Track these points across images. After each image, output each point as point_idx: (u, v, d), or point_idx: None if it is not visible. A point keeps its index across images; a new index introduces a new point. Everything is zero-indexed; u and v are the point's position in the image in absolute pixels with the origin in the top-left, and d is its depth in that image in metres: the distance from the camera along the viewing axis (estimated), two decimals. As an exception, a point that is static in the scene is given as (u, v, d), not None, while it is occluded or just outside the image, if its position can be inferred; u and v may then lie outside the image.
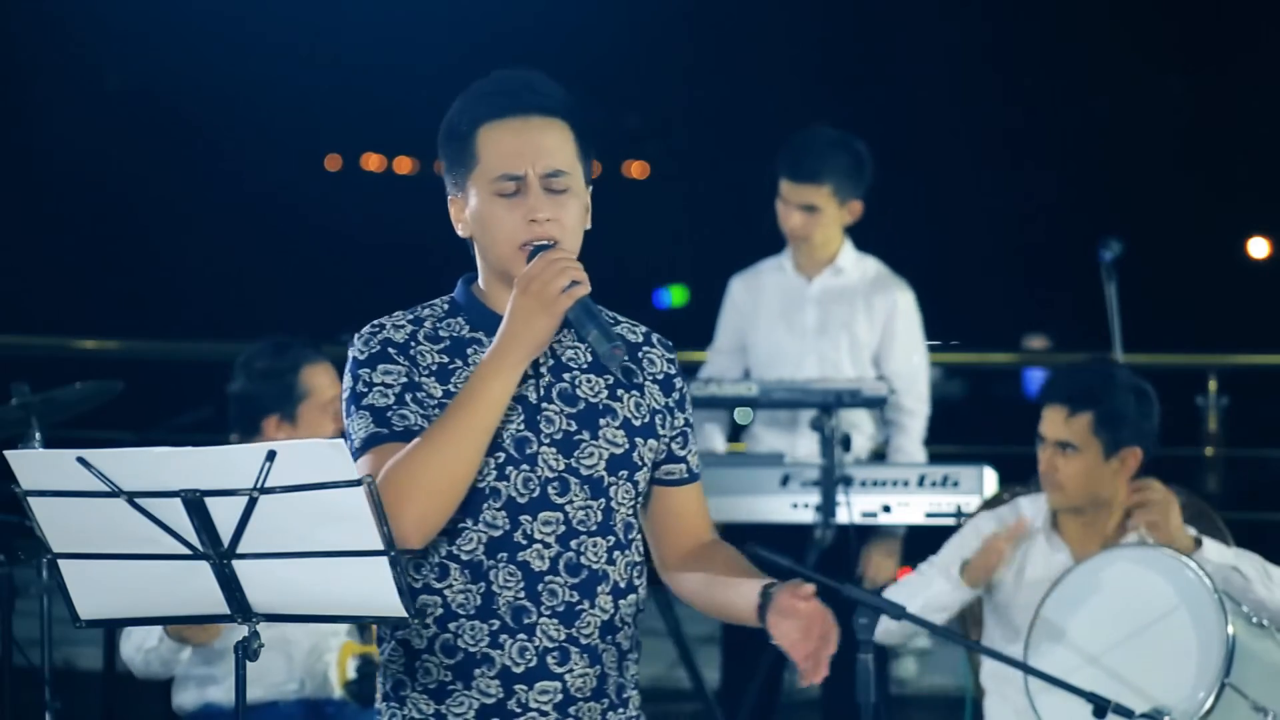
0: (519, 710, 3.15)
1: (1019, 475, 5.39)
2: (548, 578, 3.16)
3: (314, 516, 3.08)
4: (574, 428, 3.19)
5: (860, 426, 6.26)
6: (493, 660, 3.15)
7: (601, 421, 3.21)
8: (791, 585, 3.11)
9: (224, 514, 3.10)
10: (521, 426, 3.16)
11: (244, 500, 3.07)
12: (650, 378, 3.29)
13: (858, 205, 6.22)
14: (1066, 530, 4.97)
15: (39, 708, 5.05)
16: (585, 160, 3.26)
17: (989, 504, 5.39)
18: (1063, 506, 4.94)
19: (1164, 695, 4.57)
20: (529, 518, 3.16)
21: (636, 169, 29.14)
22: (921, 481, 6.00)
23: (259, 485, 3.06)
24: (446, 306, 3.27)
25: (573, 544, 3.18)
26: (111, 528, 3.13)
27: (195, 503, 3.09)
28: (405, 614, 3.14)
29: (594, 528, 3.19)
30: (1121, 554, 4.77)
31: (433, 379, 3.18)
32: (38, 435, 5.07)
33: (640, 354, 3.29)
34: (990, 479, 6.01)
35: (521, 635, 3.15)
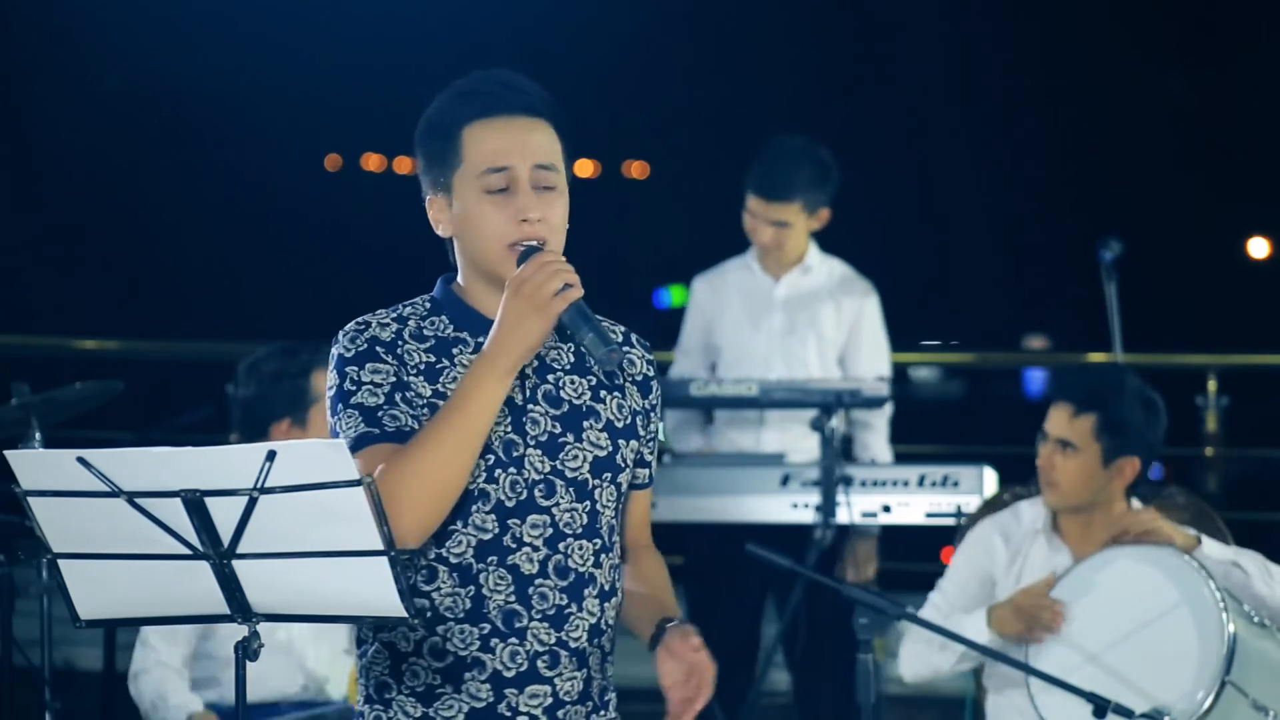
0: (509, 714, 3.14)
1: (1019, 475, 5.39)
2: (537, 581, 3.15)
3: (314, 516, 3.07)
4: (559, 430, 3.17)
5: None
6: (483, 664, 3.14)
7: (585, 424, 3.19)
8: (684, 630, 3.13)
9: (224, 514, 3.10)
10: (509, 429, 3.15)
11: (244, 500, 3.07)
12: (630, 379, 3.28)
13: (826, 212, 6.24)
14: (1066, 531, 4.97)
15: (39, 708, 5.05)
16: (568, 160, 3.25)
17: (989, 505, 5.39)
18: (1057, 506, 4.94)
19: (1164, 693, 4.57)
20: (517, 521, 3.14)
21: (636, 169, 29.15)
22: (921, 481, 6.01)
23: (259, 485, 3.05)
24: (428, 305, 3.24)
25: (560, 546, 3.16)
26: (111, 528, 3.13)
27: (195, 503, 3.08)
28: (406, 614, 3.14)
29: (580, 530, 3.17)
30: (1122, 551, 4.77)
31: (421, 378, 3.16)
32: (38, 435, 5.07)
33: (623, 353, 3.28)
34: (990, 479, 6.01)
35: (513, 639, 3.14)
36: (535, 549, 3.15)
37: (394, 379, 3.14)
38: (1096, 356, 8.05)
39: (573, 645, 3.17)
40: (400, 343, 3.17)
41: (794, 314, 6.30)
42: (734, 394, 6.07)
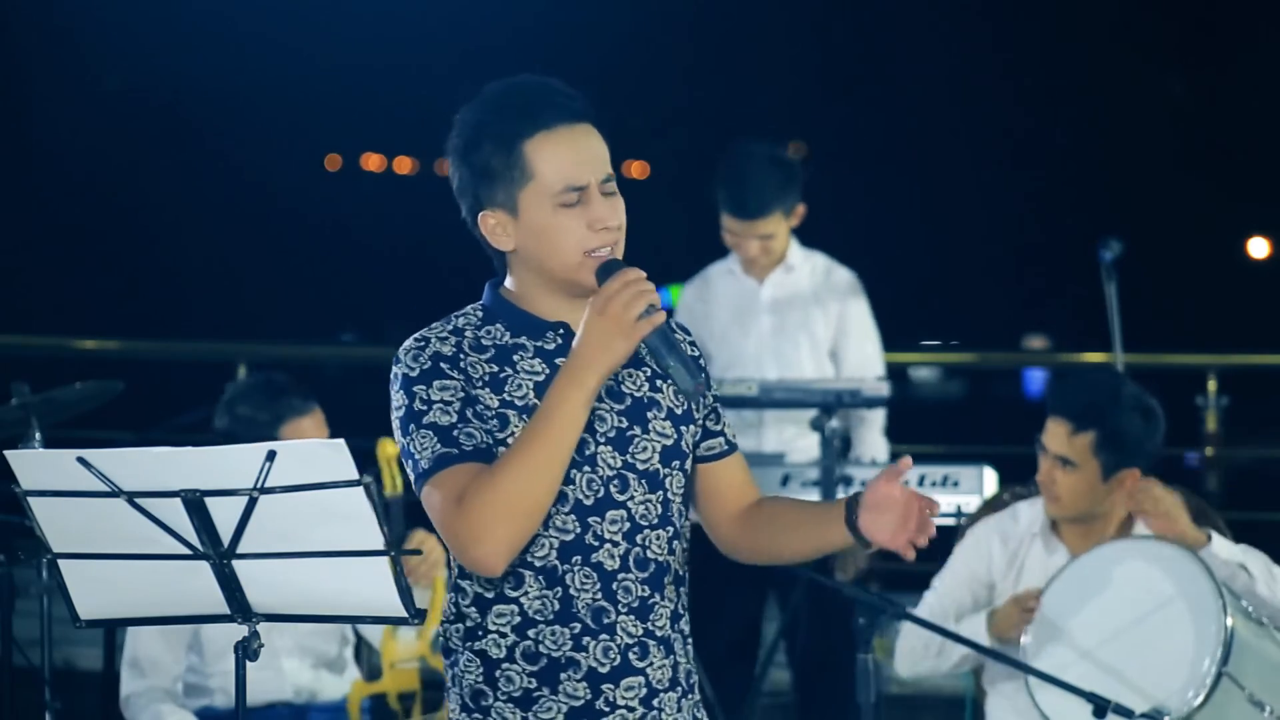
0: (607, 709, 3.17)
1: (1019, 475, 5.39)
2: (620, 575, 3.17)
3: (314, 516, 3.07)
4: (625, 424, 3.20)
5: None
6: (578, 663, 3.16)
7: (649, 415, 3.22)
8: (868, 486, 3.14)
9: (224, 514, 3.10)
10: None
11: (244, 500, 3.07)
12: None
13: (801, 208, 6.24)
14: (1065, 533, 4.97)
15: (39, 708, 5.05)
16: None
17: (989, 505, 5.39)
18: (1058, 517, 4.95)
19: (1162, 685, 4.57)
20: (597, 518, 3.16)
21: (636, 169, 29.15)
22: (921, 481, 6.00)
23: (259, 485, 3.05)
24: (480, 314, 3.24)
25: (638, 539, 3.19)
26: (111, 528, 3.13)
27: (195, 503, 3.08)
28: (405, 614, 3.14)
29: (655, 520, 3.21)
30: (1120, 546, 4.76)
31: (487, 390, 3.15)
32: (38, 435, 5.06)
33: (705, 386, 3.30)
34: (990, 479, 6.00)
35: (604, 635, 3.16)
36: (615, 544, 3.17)
37: (463, 394, 3.13)
38: (1096, 356, 8.04)
39: (659, 634, 3.20)
40: (462, 355, 3.16)
41: (782, 315, 6.30)
42: (733, 394, 6.06)
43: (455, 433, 3.09)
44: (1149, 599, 4.67)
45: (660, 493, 3.20)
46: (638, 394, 3.21)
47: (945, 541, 5.21)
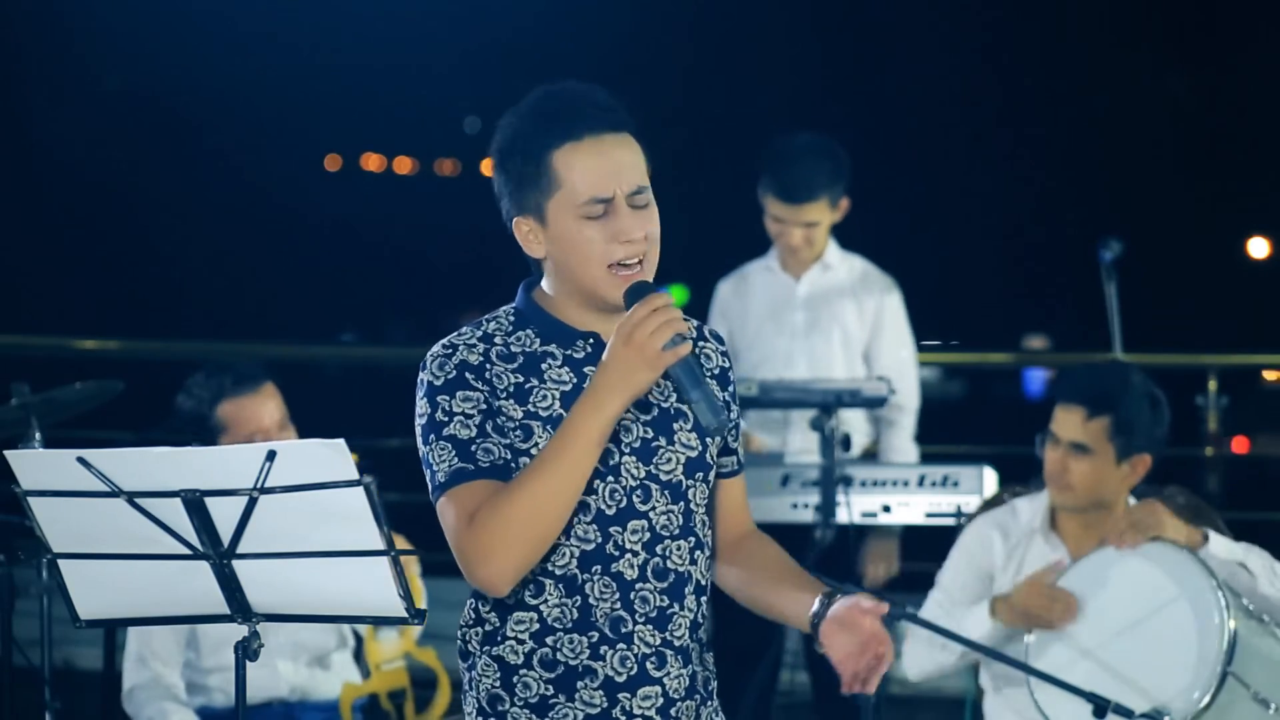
0: (623, 718, 3.17)
1: (1019, 475, 5.39)
2: (638, 585, 3.17)
3: (314, 516, 3.07)
4: (650, 434, 3.19)
5: (855, 425, 6.25)
6: (595, 672, 3.16)
7: (675, 426, 3.21)
8: (853, 600, 3.14)
9: (224, 514, 3.10)
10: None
11: (244, 500, 3.07)
12: (709, 373, 3.29)
13: (845, 202, 6.24)
14: (1064, 529, 4.96)
15: (39, 708, 5.05)
16: (649, 164, 3.25)
17: (987, 505, 5.38)
18: (1068, 506, 4.93)
19: (1165, 686, 4.56)
20: (618, 528, 3.16)
21: (636, 169, 29.04)
22: (921, 481, 6.00)
23: (259, 485, 3.05)
24: (512, 318, 3.23)
25: (658, 549, 3.19)
26: (111, 528, 3.13)
27: (195, 503, 3.08)
28: (405, 614, 3.14)
29: (676, 531, 3.20)
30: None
31: (511, 400, 3.15)
32: (38, 435, 5.06)
33: (698, 349, 3.28)
34: (990, 479, 6.00)
35: (621, 645, 3.16)
36: (635, 554, 3.17)
37: (484, 406, 3.12)
38: (1096, 357, 8.04)
39: (676, 644, 3.19)
40: (488, 365, 3.15)
41: (816, 312, 6.30)
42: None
43: (473, 448, 3.09)
44: (1150, 599, 4.67)
45: (682, 504, 3.20)
46: (665, 404, 3.20)
47: (946, 541, 5.21)
